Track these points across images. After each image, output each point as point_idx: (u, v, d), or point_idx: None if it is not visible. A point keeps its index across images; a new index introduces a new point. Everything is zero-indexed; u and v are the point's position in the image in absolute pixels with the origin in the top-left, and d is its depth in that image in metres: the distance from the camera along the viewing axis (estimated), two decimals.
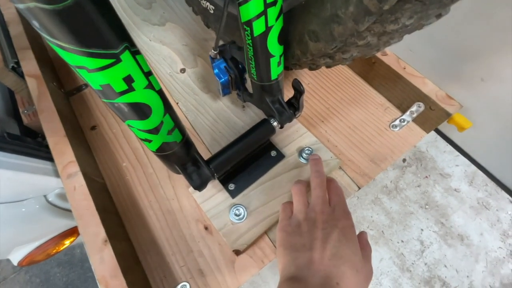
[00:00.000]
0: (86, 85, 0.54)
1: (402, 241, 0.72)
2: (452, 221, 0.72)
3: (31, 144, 0.46)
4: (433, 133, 0.80)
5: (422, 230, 0.72)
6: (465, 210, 0.72)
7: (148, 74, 0.23)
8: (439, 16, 0.22)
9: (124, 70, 0.21)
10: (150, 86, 0.24)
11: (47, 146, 0.50)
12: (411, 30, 0.24)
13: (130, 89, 0.22)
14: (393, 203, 0.78)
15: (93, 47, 0.18)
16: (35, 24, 0.17)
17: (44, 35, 0.17)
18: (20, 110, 0.57)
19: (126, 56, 0.20)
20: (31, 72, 0.47)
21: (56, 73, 0.55)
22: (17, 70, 0.50)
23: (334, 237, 0.28)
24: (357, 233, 0.31)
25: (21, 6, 0.16)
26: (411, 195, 0.78)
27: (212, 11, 0.49)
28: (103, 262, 0.33)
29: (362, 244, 0.31)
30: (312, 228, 0.29)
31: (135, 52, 0.21)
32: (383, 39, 0.25)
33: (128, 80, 0.22)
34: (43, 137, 0.62)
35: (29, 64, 0.48)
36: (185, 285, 0.36)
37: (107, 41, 0.19)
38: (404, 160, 0.86)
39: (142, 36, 0.60)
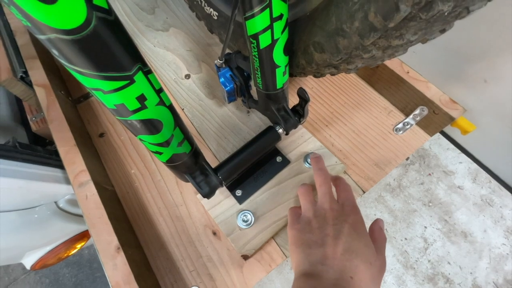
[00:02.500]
0: None
1: (406, 239, 0.73)
2: (455, 218, 0.72)
3: (41, 152, 0.47)
4: (442, 132, 0.80)
5: (425, 227, 0.73)
6: (468, 207, 0.72)
7: (159, 91, 0.24)
8: (443, 31, 0.23)
9: (137, 90, 0.22)
10: (161, 102, 0.24)
11: (56, 153, 0.51)
12: (415, 44, 0.25)
13: (143, 107, 0.23)
14: (396, 201, 0.78)
15: (109, 71, 0.19)
16: (55, 52, 0.17)
17: (63, 61, 0.18)
18: (29, 118, 0.58)
19: (139, 77, 0.21)
20: (39, 82, 0.48)
21: (63, 81, 0.56)
22: (25, 79, 0.51)
23: (345, 232, 0.28)
24: (368, 224, 0.31)
25: (42, 37, 0.16)
26: (414, 192, 0.79)
27: (215, 17, 0.49)
28: (117, 268, 0.34)
29: (375, 235, 0.31)
30: (323, 224, 0.30)
31: (147, 72, 0.22)
32: (387, 52, 0.25)
33: (141, 98, 0.22)
34: (51, 143, 0.63)
35: (37, 74, 0.49)
36: None
37: (122, 64, 0.20)
38: (407, 158, 0.86)
39: (146, 42, 0.61)
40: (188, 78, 0.55)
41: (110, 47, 0.18)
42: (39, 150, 0.47)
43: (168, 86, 0.55)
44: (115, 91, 0.20)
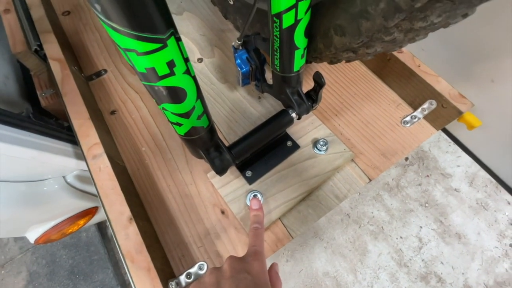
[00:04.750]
0: (106, 71, 0.55)
1: (401, 237, 0.74)
2: (450, 220, 0.73)
3: (54, 125, 0.48)
4: (436, 133, 0.81)
5: (421, 227, 0.74)
6: (464, 209, 0.73)
7: (186, 60, 0.25)
8: (465, 15, 0.23)
9: (168, 55, 0.22)
10: (188, 71, 0.25)
11: (67, 128, 0.52)
12: (437, 28, 0.25)
13: (171, 73, 0.24)
14: (393, 200, 0.79)
15: (145, 32, 0.20)
16: (97, 7, 0.18)
17: (103, 17, 0.19)
18: (38, 93, 0.58)
19: (171, 42, 0.22)
20: (54, 56, 0.48)
21: (76, 58, 0.56)
22: (39, 53, 0.51)
23: (243, 285, 0.25)
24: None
25: None
26: (412, 193, 0.80)
27: (232, 2, 0.49)
28: (129, 238, 0.34)
29: (273, 280, 0.30)
30: (220, 278, 0.26)
31: (178, 39, 0.23)
32: (409, 35, 0.26)
33: (171, 64, 0.23)
34: (59, 120, 0.63)
35: (52, 48, 0.49)
36: (202, 264, 0.38)
37: (158, 26, 0.20)
38: (406, 159, 0.87)
39: None
40: (201, 62, 0.56)
41: (148, 6, 0.19)
42: (51, 123, 0.47)
43: None
44: (148, 53, 0.21)
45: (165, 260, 0.38)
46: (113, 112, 0.51)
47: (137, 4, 0.18)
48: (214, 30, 0.60)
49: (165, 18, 0.21)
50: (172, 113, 0.28)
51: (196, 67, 0.55)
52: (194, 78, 0.27)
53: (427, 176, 0.81)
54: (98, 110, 0.50)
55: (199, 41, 0.59)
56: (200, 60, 0.56)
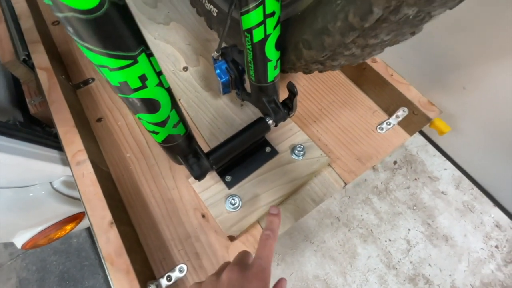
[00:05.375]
0: (93, 79, 0.56)
1: (390, 240, 0.75)
2: (438, 222, 0.75)
3: (40, 132, 0.49)
4: (423, 137, 0.84)
5: (409, 230, 0.75)
6: (451, 212, 0.75)
7: (159, 73, 0.27)
8: (413, 33, 0.26)
9: (140, 70, 0.24)
10: (160, 84, 0.27)
11: (54, 135, 0.53)
12: (390, 44, 0.28)
13: (144, 86, 0.25)
14: (382, 203, 0.80)
15: (116, 50, 0.22)
16: (70, 29, 0.20)
17: (76, 38, 0.21)
18: (27, 100, 0.59)
19: (142, 58, 0.24)
20: (42, 65, 0.50)
21: (65, 67, 0.58)
22: (27, 62, 0.53)
23: None
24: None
25: (60, 15, 0.19)
26: (400, 196, 0.81)
27: (215, 14, 0.52)
28: (109, 242, 0.36)
29: None
30: None
31: (150, 55, 0.25)
32: (366, 50, 0.29)
33: (143, 78, 0.25)
34: (48, 127, 0.65)
35: (40, 57, 0.51)
36: (182, 266, 0.40)
37: (128, 45, 0.22)
38: (395, 163, 0.89)
39: (147, 34, 0.63)
40: (186, 71, 0.58)
41: (119, 28, 0.21)
42: (38, 130, 0.49)
43: (166, 77, 0.56)
44: (120, 69, 0.23)
45: (146, 262, 0.40)
46: (99, 120, 0.52)
47: (107, 26, 0.20)
48: (200, 39, 0.62)
49: (135, 37, 0.23)
50: (148, 122, 0.30)
51: (182, 76, 0.57)
52: (168, 89, 0.29)
53: (415, 179, 0.83)
54: (85, 118, 0.52)
55: (185, 50, 0.61)
56: (185, 68, 0.58)
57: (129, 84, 0.24)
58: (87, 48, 0.21)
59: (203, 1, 0.53)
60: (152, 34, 0.63)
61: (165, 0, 0.68)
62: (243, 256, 0.29)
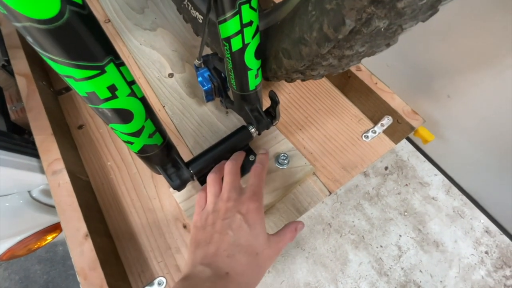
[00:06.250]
0: None
1: (381, 246, 0.75)
2: (428, 228, 0.74)
3: (18, 140, 0.48)
4: (413, 144, 0.84)
5: (400, 236, 0.75)
6: (441, 218, 0.75)
7: (131, 83, 0.26)
8: (388, 45, 0.26)
9: (108, 80, 0.23)
10: (132, 94, 0.26)
11: (33, 143, 0.51)
12: (367, 55, 0.27)
13: (114, 96, 0.25)
14: (374, 209, 0.80)
15: (80, 60, 0.21)
16: (29, 39, 0.19)
17: (37, 49, 0.20)
18: (8, 107, 0.58)
19: (110, 68, 0.23)
20: (21, 71, 0.48)
21: (46, 72, 0.57)
22: (7, 68, 0.52)
23: (234, 226, 0.27)
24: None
25: (18, 24, 0.18)
26: (392, 202, 0.81)
27: (200, 21, 0.51)
28: (83, 255, 0.34)
29: (285, 230, 0.30)
30: (216, 219, 0.28)
31: (120, 64, 0.24)
32: (343, 61, 0.28)
33: (112, 88, 0.24)
34: (30, 134, 0.63)
35: (20, 63, 0.49)
36: (161, 279, 0.38)
37: (93, 55, 0.21)
38: (386, 168, 0.89)
39: (133, 40, 0.62)
40: (172, 77, 0.57)
41: (82, 38, 0.20)
42: (15, 138, 0.47)
43: (151, 83, 0.56)
44: (86, 79, 0.22)
45: (123, 275, 0.38)
46: (80, 127, 0.51)
47: (69, 36, 0.19)
48: (186, 46, 0.61)
49: (102, 47, 0.22)
50: (121, 132, 0.29)
51: (167, 82, 0.57)
52: (142, 99, 0.28)
53: (406, 185, 0.83)
54: (65, 125, 0.51)
55: (171, 56, 0.60)
56: (171, 75, 0.58)
57: (98, 94, 0.24)
58: (50, 58, 0.20)
59: (189, 8, 0.52)
60: (138, 40, 0.62)
61: (152, 6, 0.68)
62: (233, 181, 0.32)
